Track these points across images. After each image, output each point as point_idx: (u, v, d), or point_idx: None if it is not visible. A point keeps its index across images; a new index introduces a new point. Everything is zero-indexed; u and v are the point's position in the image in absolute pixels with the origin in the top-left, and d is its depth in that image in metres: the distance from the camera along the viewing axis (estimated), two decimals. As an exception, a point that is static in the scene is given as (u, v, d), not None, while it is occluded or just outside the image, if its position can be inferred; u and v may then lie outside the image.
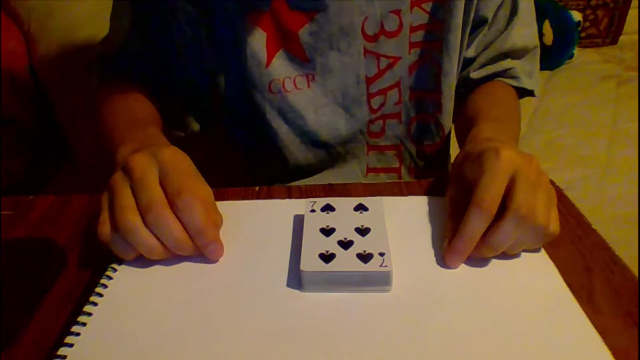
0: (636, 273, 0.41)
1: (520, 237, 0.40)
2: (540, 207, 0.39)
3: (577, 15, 1.85)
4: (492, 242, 0.40)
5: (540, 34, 1.83)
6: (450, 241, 0.41)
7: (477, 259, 0.41)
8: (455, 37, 0.60)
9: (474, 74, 0.64)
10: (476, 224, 0.40)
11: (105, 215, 0.41)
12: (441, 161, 0.71)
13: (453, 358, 0.34)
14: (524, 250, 0.42)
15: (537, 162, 0.43)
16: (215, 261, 0.42)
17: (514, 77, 0.65)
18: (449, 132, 0.69)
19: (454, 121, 0.67)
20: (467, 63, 0.64)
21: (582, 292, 0.39)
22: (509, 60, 0.64)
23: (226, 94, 0.64)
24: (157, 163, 0.41)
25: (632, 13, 1.96)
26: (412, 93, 0.64)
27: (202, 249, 0.41)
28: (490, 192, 0.39)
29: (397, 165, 0.70)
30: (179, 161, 0.42)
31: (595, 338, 0.35)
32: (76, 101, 1.01)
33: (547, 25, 1.81)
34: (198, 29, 0.59)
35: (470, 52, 0.63)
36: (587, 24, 1.99)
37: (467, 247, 0.40)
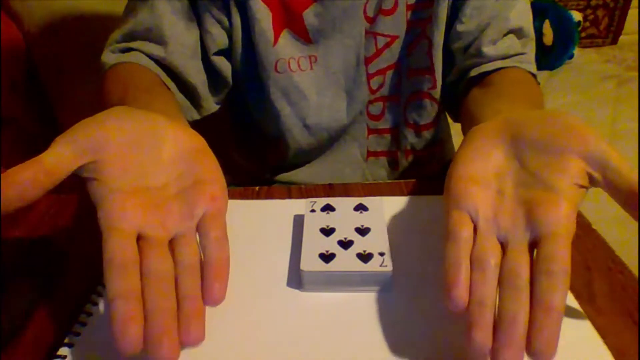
0: (636, 273, 0.41)
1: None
2: None
3: (577, 15, 1.85)
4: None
5: (541, 34, 1.83)
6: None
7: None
8: (443, 10, 0.59)
9: (486, 49, 0.59)
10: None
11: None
12: (437, 143, 0.71)
13: (453, 358, 0.34)
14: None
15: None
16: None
17: (528, 62, 0.61)
18: (442, 112, 0.68)
19: (462, 118, 0.62)
20: (470, 38, 0.60)
21: (582, 292, 0.39)
22: (515, 38, 0.60)
23: (233, 72, 0.64)
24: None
25: (632, 13, 1.97)
26: (410, 72, 0.65)
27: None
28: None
29: (395, 148, 0.70)
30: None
31: (595, 338, 0.35)
32: (76, 101, 1.01)
33: (547, 25, 1.82)
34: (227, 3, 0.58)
35: (472, 25, 0.59)
36: (587, 24, 1.99)
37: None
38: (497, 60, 0.59)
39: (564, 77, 1.73)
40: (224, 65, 0.63)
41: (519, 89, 0.55)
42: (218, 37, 0.60)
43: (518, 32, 0.60)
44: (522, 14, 0.60)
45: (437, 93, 0.65)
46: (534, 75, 0.60)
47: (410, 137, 0.69)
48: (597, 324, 0.36)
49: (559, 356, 0.34)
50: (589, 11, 1.96)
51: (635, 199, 0.31)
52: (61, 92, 1.02)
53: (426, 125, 0.68)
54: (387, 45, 0.62)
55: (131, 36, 0.59)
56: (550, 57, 1.79)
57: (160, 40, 0.58)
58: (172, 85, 0.59)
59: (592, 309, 0.37)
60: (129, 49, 0.59)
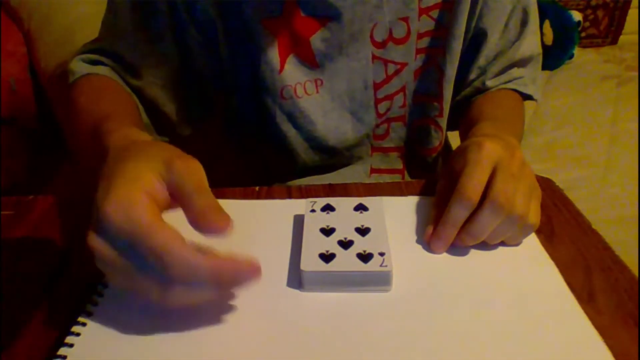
0: (636, 273, 0.41)
1: (499, 226, 0.41)
2: (519, 197, 0.41)
3: (577, 15, 1.84)
4: (471, 230, 0.41)
5: (540, 34, 1.83)
6: (433, 229, 0.43)
7: (481, 257, 0.42)
8: (458, 45, 0.61)
9: (490, 82, 0.64)
10: (458, 212, 0.41)
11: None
12: (439, 164, 0.72)
13: (453, 358, 0.34)
14: (519, 245, 0.43)
15: (521, 154, 0.44)
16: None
17: (522, 85, 0.65)
18: (447, 136, 0.70)
19: (459, 124, 0.67)
20: (479, 72, 0.65)
21: (582, 292, 0.39)
22: (517, 69, 0.65)
23: (236, 95, 0.64)
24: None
25: (632, 13, 1.96)
26: (416, 97, 0.65)
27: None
28: (471, 182, 0.41)
29: (400, 166, 0.70)
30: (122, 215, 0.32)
31: (595, 338, 0.35)
32: (76, 101, 1.00)
33: (547, 25, 1.81)
34: (216, 30, 0.58)
35: (481, 62, 0.64)
36: (587, 24, 1.99)
37: (449, 234, 0.42)
38: (498, 85, 0.64)
39: (564, 77, 1.72)
40: (203, 94, 0.64)
41: (500, 111, 0.61)
42: (204, 66, 0.61)
43: (521, 62, 0.64)
44: (529, 46, 0.64)
45: (443, 121, 0.66)
46: (529, 95, 0.66)
47: (414, 158, 0.70)
48: (597, 324, 0.36)
49: (559, 356, 0.34)
50: (589, 11, 1.96)
51: None
52: (61, 93, 1.02)
53: (430, 150, 0.69)
54: (397, 72, 0.62)
55: (105, 54, 0.59)
56: (550, 57, 1.78)
57: (132, 70, 0.59)
58: (141, 108, 0.60)
59: (592, 309, 0.37)
60: (100, 62, 0.59)
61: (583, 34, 1.97)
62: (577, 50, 1.83)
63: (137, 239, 0.31)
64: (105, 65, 0.59)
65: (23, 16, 1.00)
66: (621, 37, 2.01)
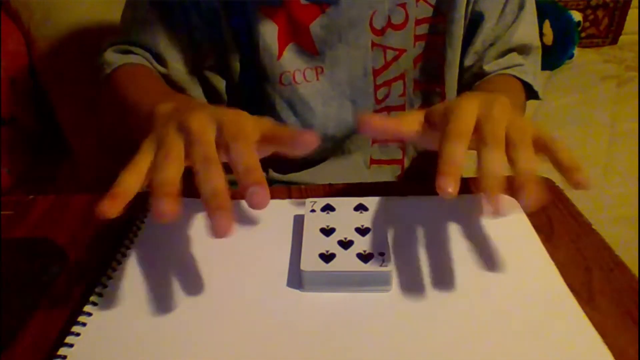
0: (636, 273, 0.41)
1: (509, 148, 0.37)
2: (515, 125, 0.37)
3: (577, 15, 1.85)
4: (483, 170, 0.37)
5: (540, 34, 1.82)
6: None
7: (481, 257, 0.42)
8: (459, 29, 0.61)
9: (487, 67, 0.64)
10: (454, 148, 0.38)
11: (141, 157, 0.36)
12: None
13: (453, 358, 0.34)
14: (520, 245, 0.43)
15: (506, 101, 0.39)
16: (258, 207, 0.36)
17: (523, 73, 0.64)
18: None
19: None
20: (477, 57, 0.64)
21: (582, 292, 0.39)
22: (517, 55, 0.64)
23: (239, 85, 0.65)
24: (217, 124, 0.37)
25: (632, 13, 1.96)
26: (417, 85, 0.66)
27: (246, 189, 0.36)
28: (458, 121, 0.38)
29: (400, 157, 0.70)
30: (241, 124, 0.37)
31: (595, 338, 0.35)
32: (76, 101, 1.01)
33: (547, 25, 1.81)
34: (219, 18, 0.60)
35: (478, 47, 0.63)
36: (587, 24, 1.99)
37: (454, 171, 0.38)
38: (497, 70, 0.63)
39: (564, 77, 1.72)
40: (216, 80, 0.65)
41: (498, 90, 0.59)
42: (209, 54, 0.62)
43: (520, 49, 0.64)
44: (526, 32, 0.63)
45: None
46: (529, 84, 0.64)
47: (415, 148, 0.70)
48: (597, 324, 0.36)
49: (559, 356, 0.34)
50: (589, 11, 1.96)
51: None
52: (61, 92, 1.02)
53: None
54: (396, 58, 0.63)
55: (132, 44, 0.62)
56: (550, 57, 1.78)
57: (159, 60, 0.62)
58: None
59: (592, 309, 0.37)
60: (130, 51, 0.62)
61: (583, 34, 1.98)
62: (577, 50, 1.83)
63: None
64: (136, 54, 0.62)
65: (23, 16, 1.00)
66: (621, 37, 2.02)
